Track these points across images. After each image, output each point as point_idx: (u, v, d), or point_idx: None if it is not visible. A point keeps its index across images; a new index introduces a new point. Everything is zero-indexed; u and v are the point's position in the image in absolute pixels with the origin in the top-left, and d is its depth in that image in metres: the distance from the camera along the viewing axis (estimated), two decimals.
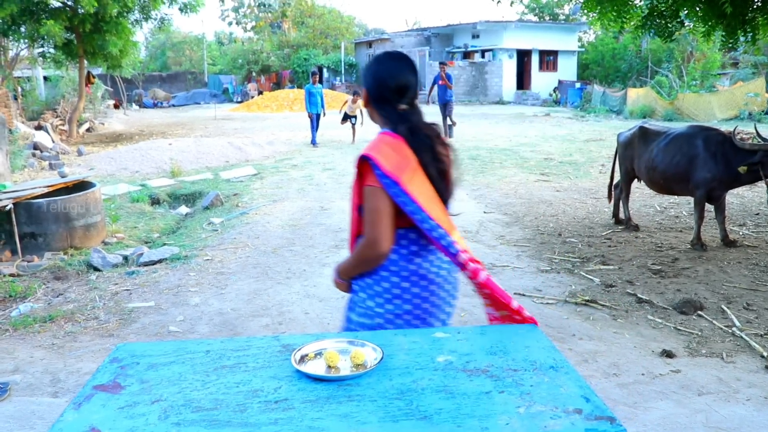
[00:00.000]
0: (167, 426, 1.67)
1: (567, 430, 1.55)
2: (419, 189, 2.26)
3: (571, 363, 4.04)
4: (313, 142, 16.85)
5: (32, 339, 4.98)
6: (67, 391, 3.98)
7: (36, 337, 5.02)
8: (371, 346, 2.00)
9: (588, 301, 5.29)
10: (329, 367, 1.93)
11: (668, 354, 4.28)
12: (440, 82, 16.84)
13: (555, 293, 5.52)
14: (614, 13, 7.38)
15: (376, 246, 2.26)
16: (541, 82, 34.21)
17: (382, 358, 1.92)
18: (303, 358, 1.98)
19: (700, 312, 5.05)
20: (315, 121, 16.87)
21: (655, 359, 4.23)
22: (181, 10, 20.35)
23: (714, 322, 4.86)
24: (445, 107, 16.85)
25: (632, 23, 7.83)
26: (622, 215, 7.85)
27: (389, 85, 2.36)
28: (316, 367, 1.93)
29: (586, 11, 7.71)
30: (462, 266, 2.33)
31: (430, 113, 14.90)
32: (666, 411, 3.60)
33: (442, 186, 2.39)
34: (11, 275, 6.63)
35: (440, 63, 17.99)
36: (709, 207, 6.89)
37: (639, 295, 5.40)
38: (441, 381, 1.81)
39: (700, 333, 4.68)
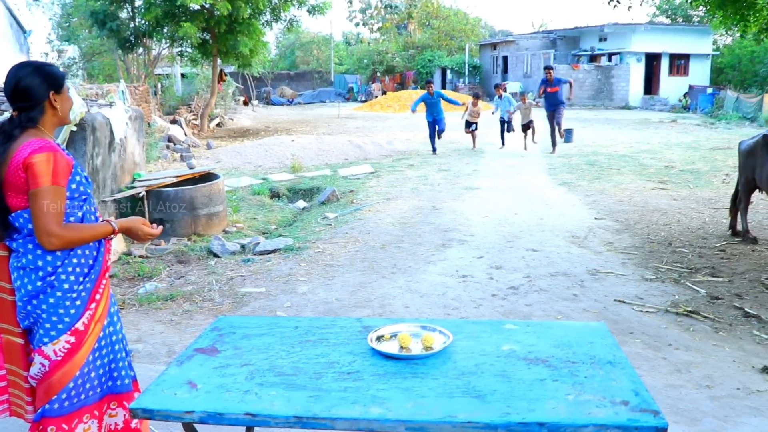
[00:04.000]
0: (251, 385, 1.91)
1: (610, 418, 1.66)
2: None
3: (662, 371, 4.04)
4: (433, 148, 15.56)
5: (154, 314, 5.47)
6: None
7: (157, 312, 5.50)
8: (442, 331, 2.17)
9: (690, 311, 5.18)
10: (401, 347, 2.12)
11: None
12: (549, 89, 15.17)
13: (656, 302, 5.43)
14: (737, 16, 7.06)
15: None
16: (671, 86, 32.77)
17: (450, 343, 2.08)
18: (379, 338, 2.18)
19: None
20: (433, 129, 15.55)
21: (754, 375, 4.12)
22: (309, 12, 21.18)
23: None
24: (552, 115, 15.14)
25: (758, 26, 7.44)
26: (739, 227, 7.54)
27: None
28: (389, 347, 2.12)
29: (708, 14, 7.42)
30: None
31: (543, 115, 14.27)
32: (759, 428, 3.51)
33: None
34: (141, 257, 7.24)
35: (545, 68, 15.68)
36: None
37: (747, 309, 5.22)
38: (501, 367, 1.95)
39: None
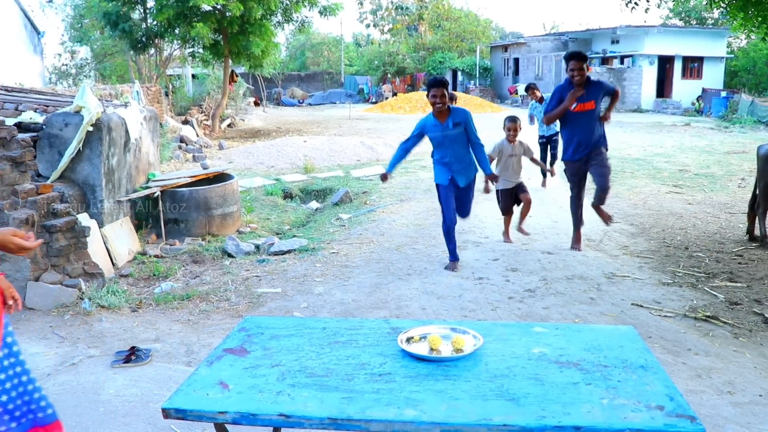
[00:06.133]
0: (284, 386, 1.91)
1: (646, 423, 1.65)
2: None
3: (682, 376, 4.02)
4: (451, 252, 6.91)
5: (171, 314, 5.48)
6: (199, 361, 4.38)
7: (174, 312, 5.52)
8: (472, 334, 2.17)
9: (709, 316, 5.15)
10: (432, 349, 2.12)
11: None
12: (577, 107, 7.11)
13: (674, 306, 5.41)
14: (759, 18, 7.02)
15: None
16: (684, 90, 32.64)
17: (481, 345, 2.08)
18: (409, 340, 2.18)
19: None
20: (450, 208, 6.92)
21: None
22: (320, 13, 21.22)
23: None
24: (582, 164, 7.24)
25: None
26: (757, 232, 7.49)
27: None
28: (419, 349, 2.12)
29: (729, 17, 7.38)
30: None
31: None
32: None
33: None
34: (156, 257, 7.27)
35: (571, 56, 6.78)
36: None
37: (767, 315, 5.19)
38: (533, 370, 1.95)
39: None
